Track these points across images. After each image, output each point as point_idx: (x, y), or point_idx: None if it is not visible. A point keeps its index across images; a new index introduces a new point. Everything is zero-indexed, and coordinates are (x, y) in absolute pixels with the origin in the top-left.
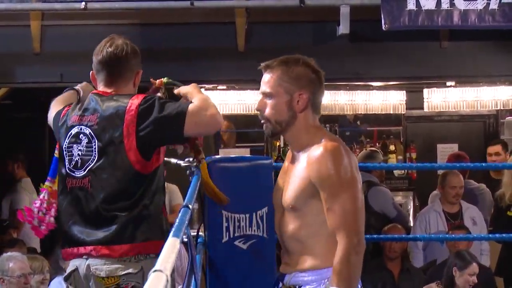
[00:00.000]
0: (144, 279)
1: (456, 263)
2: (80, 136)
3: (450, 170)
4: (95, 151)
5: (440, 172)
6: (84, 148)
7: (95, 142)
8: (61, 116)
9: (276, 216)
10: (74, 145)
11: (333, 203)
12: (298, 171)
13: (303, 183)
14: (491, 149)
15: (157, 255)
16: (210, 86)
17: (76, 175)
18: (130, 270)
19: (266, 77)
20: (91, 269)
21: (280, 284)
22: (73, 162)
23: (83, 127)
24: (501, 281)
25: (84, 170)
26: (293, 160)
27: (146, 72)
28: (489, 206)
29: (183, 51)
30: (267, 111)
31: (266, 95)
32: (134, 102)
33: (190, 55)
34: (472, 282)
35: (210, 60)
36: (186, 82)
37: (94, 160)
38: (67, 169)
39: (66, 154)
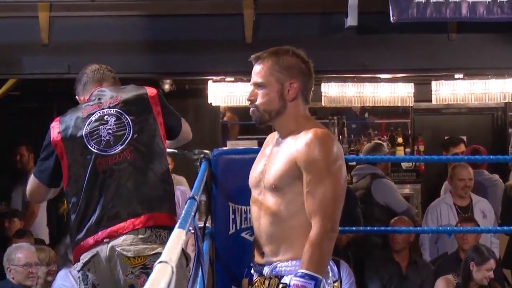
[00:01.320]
0: None
1: (474, 257)
2: (105, 118)
3: (459, 162)
4: (128, 125)
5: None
6: (114, 126)
7: (126, 118)
8: (64, 118)
9: (252, 200)
10: (101, 127)
11: (315, 187)
12: (283, 154)
13: (288, 165)
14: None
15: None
16: (218, 78)
17: (110, 153)
18: (158, 250)
19: (257, 68)
20: (116, 250)
21: (255, 276)
22: (103, 142)
23: (105, 109)
24: (508, 273)
25: (122, 144)
26: (277, 144)
27: (153, 63)
28: (500, 197)
29: (190, 42)
30: (259, 100)
31: (257, 85)
32: (151, 90)
33: (197, 47)
34: (489, 277)
35: (218, 52)
36: (193, 74)
37: (130, 133)
38: (96, 152)
39: (90, 139)
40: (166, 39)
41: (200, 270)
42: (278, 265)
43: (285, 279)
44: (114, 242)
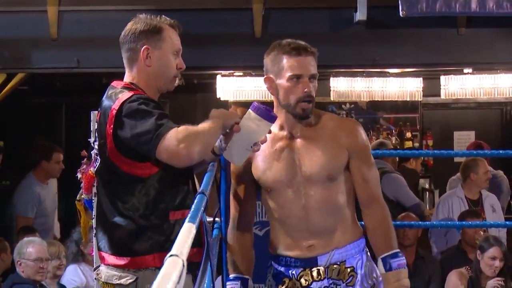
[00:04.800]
0: None
1: (480, 245)
2: (96, 134)
3: (478, 157)
4: (98, 151)
5: (456, 159)
6: (96, 148)
7: (97, 141)
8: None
9: (284, 199)
10: (95, 143)
11: (368, 172)
12: (326, 143)
13: (339, 152)
14: None
15: (158, 268)
16: (227, 72)
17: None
18: (122, 281)
19: (311, 60)
20: (97, 271)
21: (299, 270)
22: (96, 162)
23: (96, 123)
24: None
25: (95, 170)
26: (299, 136)
27: None
28: (506, 193)
29: (199, 37)
30: (313, 93)
31: (314, 77)
32: (117, 103)
33: (206, 41)
34: (495, 266)
35: (227, 46)
36: (202, 69)
37: (98, 161)
38: (94, 167)
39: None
40: None
41: (209, 265)
42: (336, 252)
43: (351, 262)
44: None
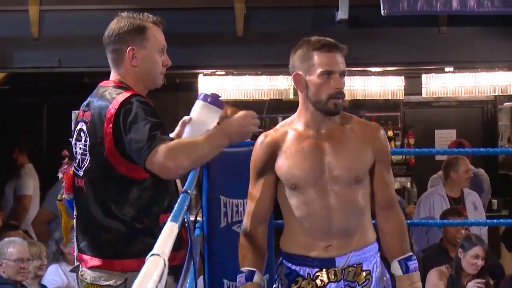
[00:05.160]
0: None
1: (462, 244)
2: (81, 133)
3: (459, 155)
4: (87, 151)
5: (438, 158)
6: (83, 147)
7: (88, 140)
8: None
9: (309, 198)
10: (77, 142)
11: (388, 176)
12: (355, 145)
13: (366, 155)
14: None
15: None
16: (209, 71)
17: (79, 174)
18: (111, 282)
19: (340, 57)
20: (80, 272)
21: (314, 270)
22: (77, 161)
23: (82, 123)
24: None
25: (82, 170)
26: (328, 136)
27: None
28: (487, 191)
29: (182, 36)
30: (344, 89)
31: (344, 74)
32: (115, 102)
33: (189, 40)
34: (477, 265)
35: (209, 46)
36: (184, 68)
37: (87, 160)
38: (74, 167)
39: (74, 151)
40: None
41: (192, 264)
42: (354, 255)
43: (367, 266)
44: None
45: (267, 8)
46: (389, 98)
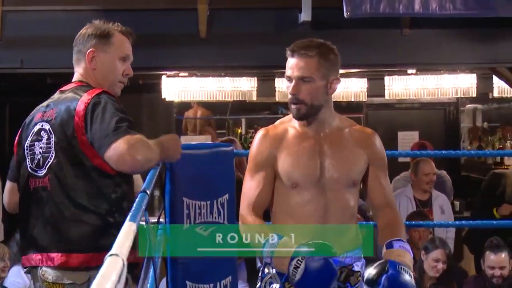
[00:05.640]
0: None
1: (425, 246)
2: (41, 133)
3: (422, 157)
4: (53, 147)
5: (400, 159)
6: (45, 145)
7: (52, 137)
8: (26, 119)
9: (306, 200)
10: (36, 143)
11: (385, 179)
12: (351, 149)
13: (361, 160)
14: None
15: None
16: (172, 72)
17: (39, 174)
18: (75, 281)
19: (301, 61)
20: (39, 272)
21: None
22: (35, 161)
23: (44, 123)
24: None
25: (45, 168)
26: (326, 139)
27: None
28: (449, 193)
29: (145, 37)
30: (304, 95)
31: (302, 79)
32: (84, 97)
33: (152, 42)
34: (437, 268)
35: (172, 47)
36: (147, 69)
37: (52, 157)
38: (29, 169)
39: (27, 153)
40: None
41: (152, 266)
42: (347, 256)
43: (357, 267)
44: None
45: (230, 10)
46: (352, 100)
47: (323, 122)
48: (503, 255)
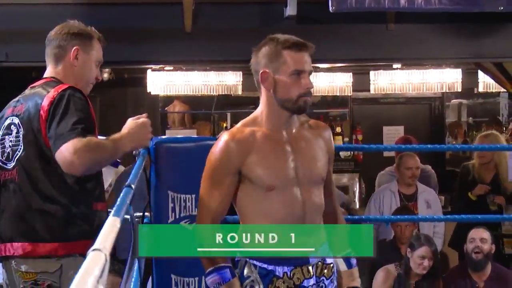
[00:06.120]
0: (61, 277)
1: (411, 243)
2: (11, 127)
3: (406, 152)
4: (21, 141)
5: (386, 154)
6: (14, 139)
7: (21, 131)
8: None
9: (294, 196)
10: (6, 137)
11: (332, 175)
12: (316, 146)
13: (326, 156)
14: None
15: (81, 254)
16: (157, 67)
17: (8, 167)
18: (47, 269)
19: (308, 56)
20: (12, 263)
21: (290, 269)
22: (5, 154)
23: (14, 117)
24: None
25: (14, 161)
26: (295, 137)
27: None
28: (433, 187)
29: (129, 31)
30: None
31: (311, 73)
32: (51, 93)
33: (137, 36)
34: (424, 265)
35: (157, 41)
36: (133, 63)
37: (20, 150)
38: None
39: None
40: (105, 28)
41: (136, 260)
42: (320, 250)
43: (329, 260)
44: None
45: (215, 4)
46: (337, 94)
47: (295, 119)
48: (484, 231)
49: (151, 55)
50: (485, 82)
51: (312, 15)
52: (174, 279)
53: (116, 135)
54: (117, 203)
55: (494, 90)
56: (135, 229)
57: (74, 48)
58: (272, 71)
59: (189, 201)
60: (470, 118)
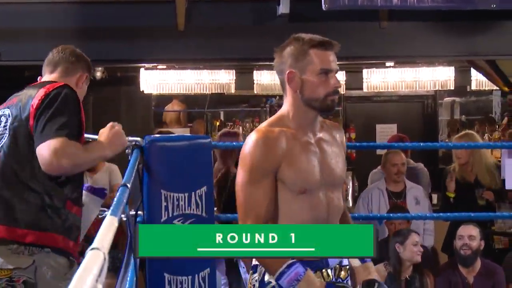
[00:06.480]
0: (36, 273)
1: (396, 240)
2: (1, 118)
3: (391, 149)
4: (8, 128)
5: (378, 152)
6: (2, 128)
7: (9, 120)
8: None
9: (315, 202)
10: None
11: None
12: (336, 149)
13: (343, 158)
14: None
15: (52, 249)
16: (150, 65)
17: None
18: (20, 265)
19: (334, 55)
20: None
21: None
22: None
23: (5, 109)
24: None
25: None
26: (320, 138)
27: (85, 51)
28: (426, 185)
29: (123, 30)
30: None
31: (337, 72)
32: (46, 88)
33: (130, 34)
34: (418, 251)
35: (150, 39)
36: (126, 62)
37: (5, 137)
38: None
39: None
40: (98, 26)
41: (132, 258)
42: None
43: (345, 261)
44: None
45: (208, 2)
46: None
47: (316, 120)
48: (473, 228)
49: (144, 54)
50: (478, 80)
51: (305, 13)
52: (167, 277)
53: (94, 142)
54: (114, 202)
55: (487, 88)
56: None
57: (80, 74)
58: (298, 71)
59: (182, 200)
60: (463, 116)
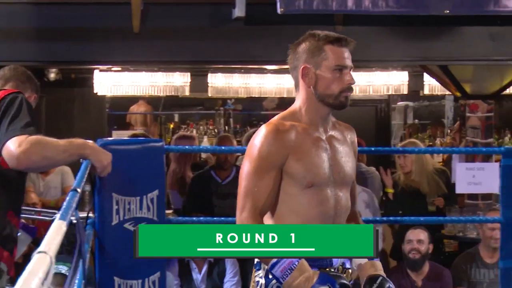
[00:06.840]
0: None
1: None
2: None
3: None
4: None
5: None
6: None
7: None
8: None
9: (322, 199)
10: None
11: None
12: (347, 147)
13: (354, 158)
14: None
15: None
16: (105, 67)
17: None
18: None
19: (348, 52)
20: None
21: (315, 270)
22: None
23: None
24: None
25: None
26: (331, 136)
27: (39, 52)
28: (377, 189)
29: (77, 31)
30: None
31: (351, 69)
32: (2, 92)
33: (84, 35)
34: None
35: (105, 41)
36: (80, 63)
37: None
38: None
39: None
40: (53, 27)
41: (81, 262)
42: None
43: (348, 264)
44: None
45: (164, 4)
46: (285, 96)
47: (328, 117)
48: (421, 232)
49: (98, 55)
50: (430, 84)
51: (260, 17)
52: (117, 281)
53: (69, 139)
54: (63, 206)
55: (439, 93)
56: (80, 231)
57: (28, 94)
58: (313, 66)
59: (133, 204)
60: (416, 120)
